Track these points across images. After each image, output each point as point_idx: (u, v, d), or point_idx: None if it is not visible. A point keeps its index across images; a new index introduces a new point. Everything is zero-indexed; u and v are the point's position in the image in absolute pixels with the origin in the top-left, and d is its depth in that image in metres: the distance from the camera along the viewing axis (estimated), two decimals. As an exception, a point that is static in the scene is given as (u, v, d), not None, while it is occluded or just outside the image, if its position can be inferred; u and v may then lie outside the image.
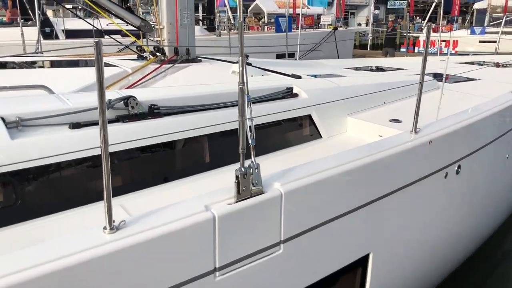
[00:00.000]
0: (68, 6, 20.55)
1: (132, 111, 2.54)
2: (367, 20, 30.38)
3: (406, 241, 3.10)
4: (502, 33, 18.42)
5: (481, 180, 3.91)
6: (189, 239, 1.82)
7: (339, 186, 2.44)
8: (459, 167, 3.37)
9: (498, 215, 4.90)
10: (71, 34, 13.43)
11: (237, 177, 1.96)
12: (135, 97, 2.55)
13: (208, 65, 4.20)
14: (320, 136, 3.50)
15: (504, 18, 16.39)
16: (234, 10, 33.89)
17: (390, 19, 19.68)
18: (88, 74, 3.35)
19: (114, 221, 1.68)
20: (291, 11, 23.60)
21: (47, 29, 13.20)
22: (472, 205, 3.94)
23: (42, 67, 3.86)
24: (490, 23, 24.66)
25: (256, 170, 2.04)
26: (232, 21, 23.65)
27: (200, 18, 19.33)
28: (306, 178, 2.25)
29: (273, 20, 19.35)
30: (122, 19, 3.87)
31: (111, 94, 2.62)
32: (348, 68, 6.24)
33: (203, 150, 2.80)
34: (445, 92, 4.71)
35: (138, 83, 3.18)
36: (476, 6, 29.46)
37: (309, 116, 3.43)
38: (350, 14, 39.42)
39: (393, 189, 2.83)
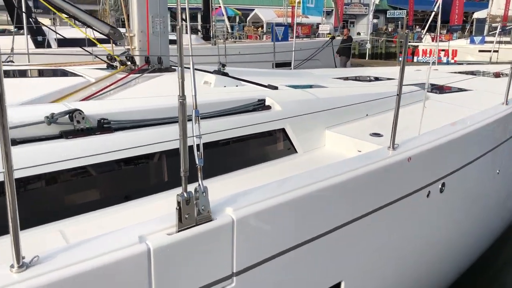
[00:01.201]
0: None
1: (77, 126, 2.31)
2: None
3: (383, 267, 2.86)
4: (502, 42, 18.25)
5: (469, 197, 3.68)
6: (118, 277, 1.58)
7: (302, 210, 2.21)
8: (443, 185, 3.14)
9: (490, 232, 4.65)
10: (63, 43, 13.26)
11: (178, 203, 1.73)
12: (81, 111, 2.33)
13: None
14: (295, 151, 3.27)
15: (499, 28, 16.18)
16: (233, 19, 33.93)
17: (345, 27, 18.94)
18: (46, 85, 3.13)
19: (23, 257, 1.45)
20: (290, 20, 23.55)
21: (39, 38, 13.03)
22: (459, 225, 3.69)
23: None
24: (490, 33, 24.50)
25: (204, 194, 1.81)
26: (230, 30, 23.58)
27: (199, 28, 19.18)
28: (264, 202, 2.02)
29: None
30: (90, 26, 3.66)
31: (57, 107, 2.40)
32: (337, 78, 6.03)
33: (159, 168, 2.57)
34: (433, 104, 4.50)
35: (97, 94, 2.96)
36: (476, 15, 29.35)
37: (283, 130, 3.21)
38: (349, 24, 39.36)
39: (367, 210, 2.60)
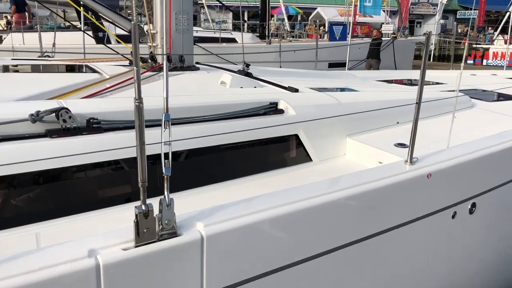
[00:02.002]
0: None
1: (64, 125, 2.23)
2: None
3: None
4: None
5: (505, 220, 3.26)
6: None
7: (292, 227, 1.99)
8: (473, 205, 2.78)
9: None
10: (122, 39, 13.67)
11: (136, 216, 1.58)
12: (68, 110, 2.24)
13: (202, 74, 3.85)
14: (310, 159, 3.04)
15: None
16: (294, 18, 33.63)
17: (375, 28, 17.18)
18: (56, 80, 3.11)
19: None
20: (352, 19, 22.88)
21: (100, 34, 13.49)
22: (491, 249, 3.29)
23: (17, 71, 3.67)
24: None
25: (168, 207, 1.65)
26: (289, 29, 23.37)
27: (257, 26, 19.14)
28: (242, 218, 1.83)
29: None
30: (112, 22, 3.62)
31: (48, 105, 2.33)
32: (382, 81, 5.67)
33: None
34: (477, 113, 4.07)
35: (104, 91, 2.88)
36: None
37: (296, 136, 2.98)
38: (416, 24, 37.77)
39: (376, 230, 2.33)
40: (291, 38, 19.09)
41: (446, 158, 2.57)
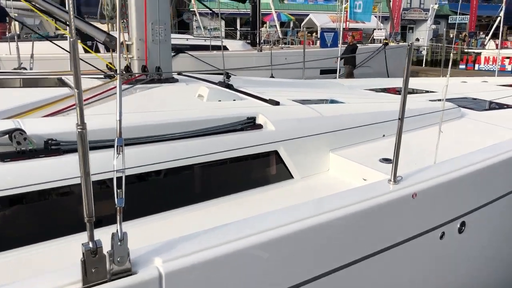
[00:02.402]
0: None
1: (18, 148, 2.06)
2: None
3: None
4: None
5: (497, 238, 3.11)
6: None
7: (266, 259, 1.83)
8: (462, 224, 2.63)
9: None
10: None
11: (83, 254, 1.41)
12: (23, 131, 2.07)
13: (180, 86, 3.69)
14: (291, 176, 2.88)
15: None
16: (287, 24, 33.62)
17: (349, 35, 16.52)
18: (15, 97, 2.93)
19: None
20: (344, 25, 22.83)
21: (89, 43, 13.33)
22: (483, 269, 3.13)
23: None
24: None
25: (121, 242, 1.48)
26: (280, 36, 23.29)
27: (242, 32, 19.07)
28: (208, 251, 1.66)
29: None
30: (84, 33, 3.45)
31: (3, 124, 2.16)
32: (370, 90, 5.53)
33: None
34: (466, 124, 3.93)
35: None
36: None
37: (276, 152, 2.82)
38: (408, 29, 37.82)
39: (356, 257, 2.17)
40: (282, 45, 18.96)
41: (431, 176, 2.42)
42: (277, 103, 3.22)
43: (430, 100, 4.66)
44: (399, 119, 2.29)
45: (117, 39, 1.75)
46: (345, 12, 13.70)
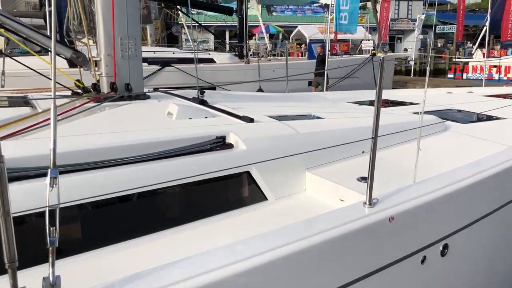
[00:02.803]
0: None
1: None
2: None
3: None
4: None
5: (482, 259, 2.96)
6: None
7: None
8: (445, 246, 2.48)
9: None
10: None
11: None
12: None
13: (151, 103, 3.52)
14: (265, 198, 2.71)
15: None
16: (276, 36, 33.69)
17: (318, 45, 15.90)
18: None
19: None
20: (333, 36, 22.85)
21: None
22: None
23: None
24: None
25: (53, 287, 1.31)
26: (269, 48, 23.30)
27: (232, 45, 19.01)
28: None
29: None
30: (47, 49, 3.29)
31: None
32: (353, 102, 5.41)
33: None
34: (452, 137, 3.80)
35: (25, 130, 2.53)
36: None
37: (248, 173, 2.66)
38: (396, 39, 38.08)
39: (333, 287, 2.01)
40: (271, 57, 18.90)
41: (409, 197, 2.27)
42: (251, 120, 3.07)
43: (414, 113, 4.54)
44: (372, 138, 2.14)
45: (52, 55, 1.59)
46: (331, 24, 13.65)
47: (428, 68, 3.12)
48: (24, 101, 3.31)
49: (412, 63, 22.79)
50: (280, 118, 3.32)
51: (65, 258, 1.98)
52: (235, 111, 3.36)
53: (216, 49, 24.06)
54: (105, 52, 3.46)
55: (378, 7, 25.83)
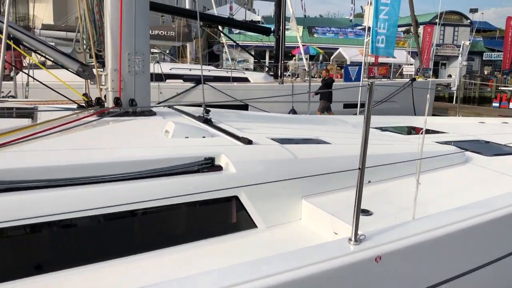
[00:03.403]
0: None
1: None
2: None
3: None
4: None
5: None
6: None
7: None
8: None
9: None
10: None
11: None
12: None
13: (154, 120, 3.46)
14: (254, 226, 2.57)
15: None
16: (316, 58, 33.59)
17: (324, 68, 15.41)
18: None
19: None
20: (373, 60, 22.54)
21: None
22: None
23: None
24: None
25: None
26: (306, 69, 23.25)
27: (267, 65, 19.06)
28: None
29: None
30: (56, 63, 3.30)
31: None
32: (375, 128, 5.19)
33: (33, 247, 2.03)
34: (471, 170, 3.53)
35: (16, 141, 2.50)
36: None
37: (236, 198, 2.53)
38: (441, 65, 37.12)
39: None
40: (306, 78, 18.78)
41: (403, 235, 2.07)
42: (249, 142, 2.94)
43: (436, 142, 4.29)
44: (359, 168, 1.97)
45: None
46: (367, 47, 13.42)
47: (455, 94, 2.91)
48: (28, 113, 3.32)
49: (454, 89, 22.05)
50: (282, 141, 3.17)
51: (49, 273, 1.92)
52: (237, 131, 3.25)
53: (255, 69, 24.20)
54: (112, 66, 3.45)
55: (421, 32, 25.35)
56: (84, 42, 3.47)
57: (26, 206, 1.96)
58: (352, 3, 42.27)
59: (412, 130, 5.32)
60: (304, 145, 3.18)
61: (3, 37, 2.82)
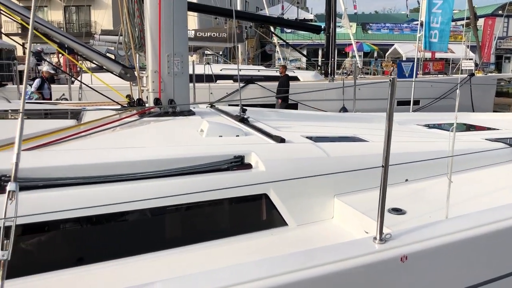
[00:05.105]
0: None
1: None
2: None
3: None
4: None
5: None
6: None
7: None
8: None
9: None
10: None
11: None
12: None
13: (192, 120, 3.54)
14: (285, 223, 2.58)
15: None
16: (371, 54, 32.88)
17: (281, 64, 13.40)
18: (28, 127, 2.95)
19: None
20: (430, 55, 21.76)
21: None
22: None
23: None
24: None
25: None
26: (360, 66, 22.84)
27: (319, 63, 18.90)
28: None
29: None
30: (98, 65, 3.47)
31: None
32: (421, 125, 5.03)
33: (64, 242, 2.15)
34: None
35: (58, 141, 2.66)
36: None
37: (265, 196, 2.55)
38: (504, 59, 35.17)
39: None
40: (360, 75, 18.42)
41: (431, 235, 2.00)
42: (282, 140, 2.95)
43: (486, 139, 4.09)
44: (382, 166, 1.93)
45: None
46: (419, 42, 12.99)
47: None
48: (74, 114, 3.50)
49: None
50: (317, 139, 3.15)
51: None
52: (273, 130, 3.27)
53: (307, 67, 24.09)
54: (152, 68, 3.57)
55: (481, 25, 24.15)
56: (126, 45, 3.62)
57: (72, 200, 2.09)
58: (407, -3, 41.02)
59: (462, 127, 5.10)
60: (339, 143, 3.15)
61: (28, 41, 2.98)
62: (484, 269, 2.19)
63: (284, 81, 12.88)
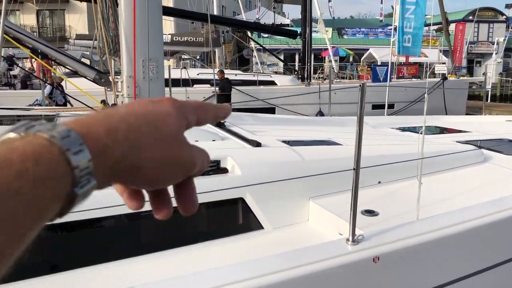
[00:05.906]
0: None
1: None
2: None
3: None
4: None
5: None
6: None
7: None
8: None
9: None
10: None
11: None
12: None
13: None
14: (261, 227, 2.60)
15: None
16: (346, 59, 33.31)
17: (218, 69, 13.65)
18: None
19: None
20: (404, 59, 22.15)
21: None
22: None
23: None
24: None
25: None
26: (335, 71, 23.09)
27: (296, 68, 19.08)
28: None
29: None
30: (72, 70, 3.43)
31: None
32: (395, 129, 5.14)
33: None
34: (489, 170, 3.44)
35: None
36: None
37: (241, 200, 2.56)
38: (475, 63, 36.11)
39: None
40: (336, 80, 18.66)
41: (403, 236, 2.05)
42: (258, 144, 2.98)
43: (456, 141, 4.21)
44: (354, 169, 1.97)
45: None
46: (393, 46, 13.26)
47: (484, 92, 2.85)
48: (48, 119, 3.46)
49: (489, 87, 21.43)
50: (292, 143, 3.19)
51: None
52: (249, 134, 3.29)
53: (284, 72, 24.26)
54: (127, 73, 3.56)
55: (453, 29, 24.73)
56: (101, 50, 3.59)
57: None
58: (381, 2, 41.67)
59: (435, 129, 5.23)
60: (314, 147, 3.19)
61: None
62: (453, 268, 2.25)
63: (225, 83, 12.93)
